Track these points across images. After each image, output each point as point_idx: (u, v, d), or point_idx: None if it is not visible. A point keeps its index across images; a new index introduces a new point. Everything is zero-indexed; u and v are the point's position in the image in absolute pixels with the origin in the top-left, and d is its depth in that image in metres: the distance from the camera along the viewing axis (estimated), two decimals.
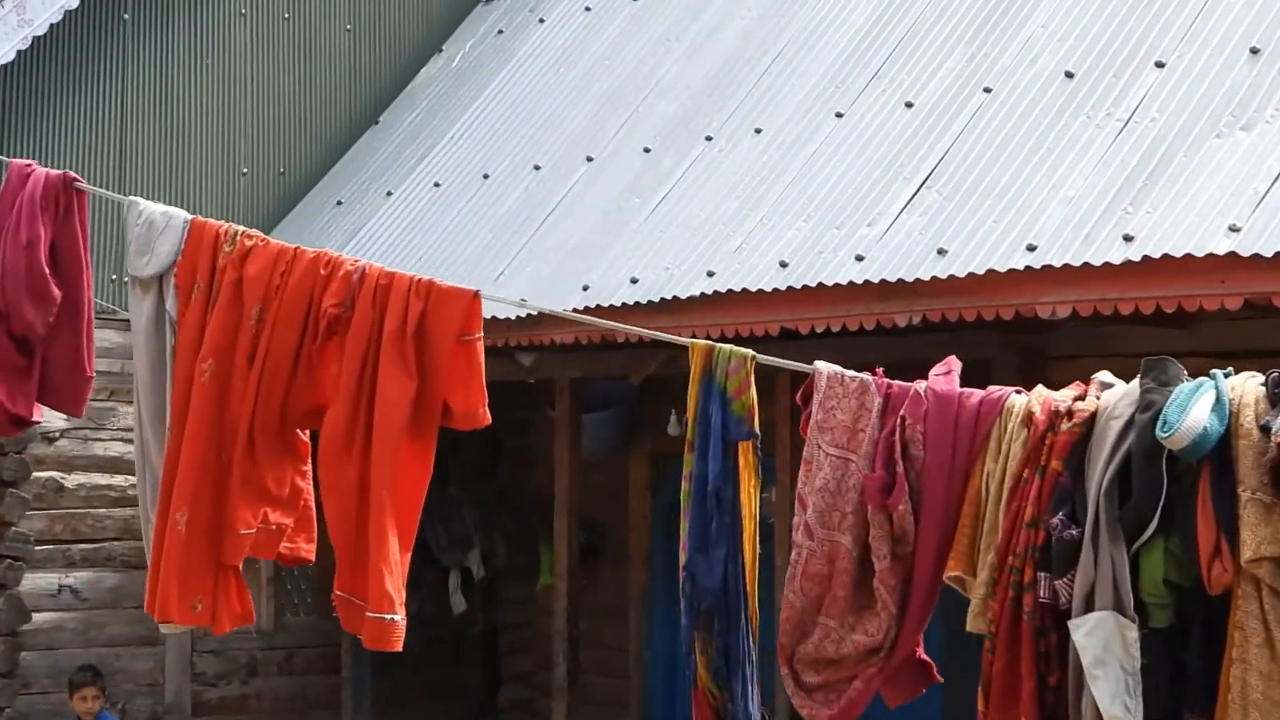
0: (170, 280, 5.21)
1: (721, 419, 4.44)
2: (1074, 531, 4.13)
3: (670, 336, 4.67)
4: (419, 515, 4.98)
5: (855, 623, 4.27)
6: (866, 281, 8.76)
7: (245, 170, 13.30)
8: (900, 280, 8.61)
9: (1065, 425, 4.29)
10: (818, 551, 4.36)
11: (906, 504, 4.25)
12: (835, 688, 4.30)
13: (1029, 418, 4.36)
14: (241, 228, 5.16)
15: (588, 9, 13.24)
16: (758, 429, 4.45)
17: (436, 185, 12.48)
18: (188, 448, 5.02)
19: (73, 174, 5.45)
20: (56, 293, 5.35)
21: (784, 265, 9.27)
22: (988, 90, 9.55)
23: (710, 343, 4.54)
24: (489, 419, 4.87)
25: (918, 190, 9.19)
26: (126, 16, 12.94)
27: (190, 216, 5.24)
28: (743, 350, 4.49)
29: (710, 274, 9.57)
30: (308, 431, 5.20)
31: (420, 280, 4.88)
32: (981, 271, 8.29)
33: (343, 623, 5.00)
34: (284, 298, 5.02)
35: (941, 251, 8.60)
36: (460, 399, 4.85)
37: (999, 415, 4.46)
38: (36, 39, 12.02)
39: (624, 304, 9.67)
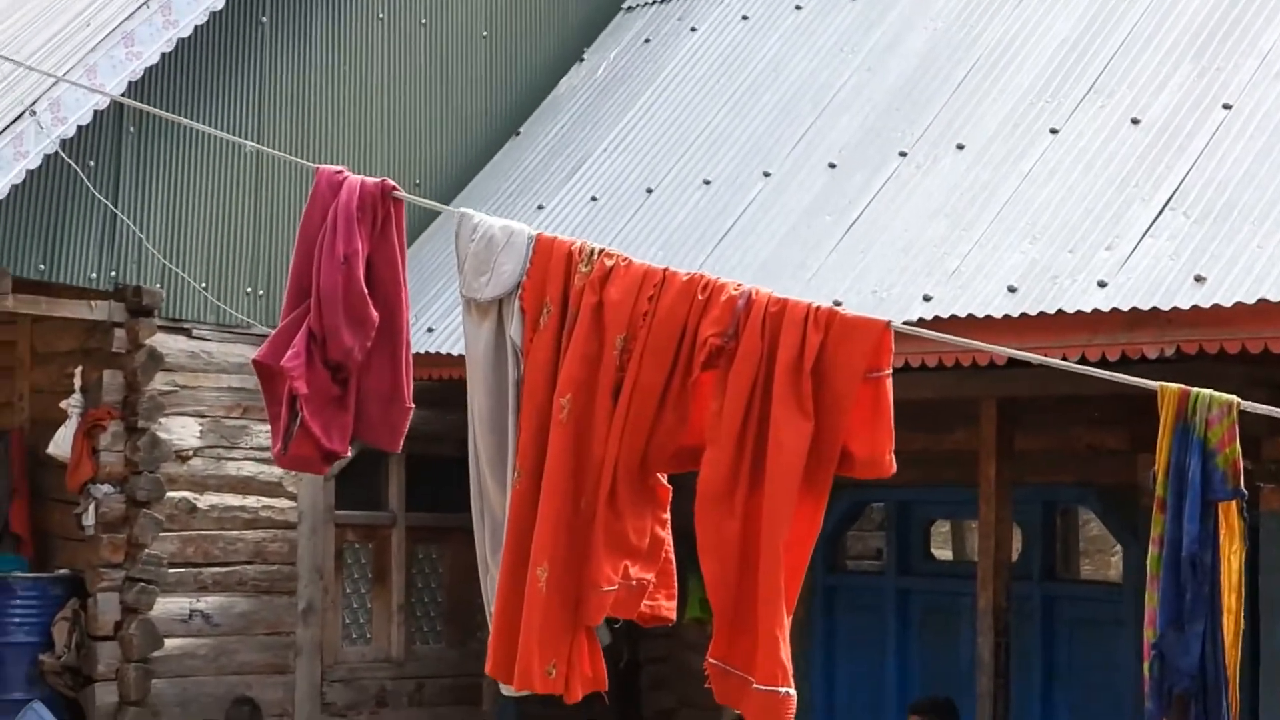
0: (514, 304, 4.64)
1: (1201, 475, 3.88)
2: None
3: (1137, 380, 4.10)
4: (803, 576, 4.41)
5: None
6: (1114, 309, 8.20)
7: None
8: (1154, 309, 8.05)
9: None
10: None
11: None
12: None
13: None
14: (598, 246, 4.60)
15: (745, 18, 12.68)
16: (1244, 486, 3.88)
17: (594, 199, 11.92)
18: (546, 495, 4.46)
19: (391, 181, 4.89)
20: (374, 315, 4.78)
21: (1012, 290, 8.71)
22: (1227, 107, 8.98)
23: (1184, 387, 3.97)
24: (894, 467, 4.30)
25: (1160, 213, 8.63)
26: (265, 20, 12.40)
27: (535, 232, 4.69)
28: (1225, 396, 3.92)
29: (927, 298, 9.01)
30: (666, 475, 4.64)
31: (819, 308, 4.33)
32: (1252, 301, 7.73)
33: (717, 695, 4.42)
34: (653, 325, 4.45)
35: (1199, 279, 8.03)
36: (864, 444, 4.29)
37: None
38: (181, 41, 11.47)
39: None
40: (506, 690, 4.58)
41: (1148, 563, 3.99)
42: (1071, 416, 10.53)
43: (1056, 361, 4.52)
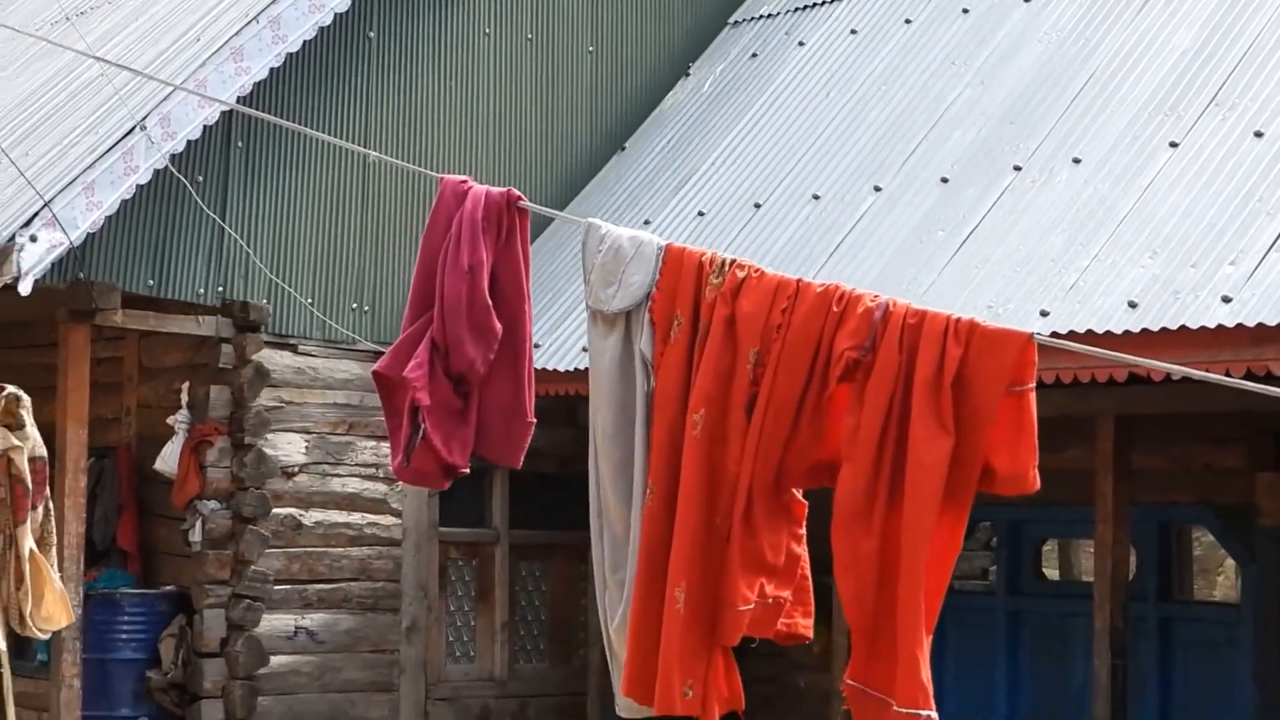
0: (643, 316, 4.54)
1: None
2: None
3: (1272, 389, 3.95)
4: (943, 595, 4.28)
5: None
6: (1239, 325, 8.02)
7: None
8: None
9: None
10: None
11: None
12: None
13: None
14: (729, 256, 4.50)
15: (853, 31, 12.55)
16: None
17: (700, 214, 11.82)
18: (682, 512, 4.36)
19: (516, 191, 4.80)
20: (498, 326, 4.69)
21: (1133, 306, 8.53)
22: None
23: None
24: (1039, 482, 4.18)
25: None
26: (372, 35, 12.39)
27: (664, 243, 4.59)
28: None
29: (1044, 314, 8.85)
30: (801, 490, 4.52)
31: (960, 320, 4.20)
32: None
33: (855, 717, 4.29)
34: (787, 338, 4.34)
35: None
36: (1006, 459, 4.17)
37: None
38: (289, 55, 11.47)
39: None
40: (631, 711, 4.47)
41: None
42: (1190, 435, 10.33)
43: (1186, 369, 4.35)
